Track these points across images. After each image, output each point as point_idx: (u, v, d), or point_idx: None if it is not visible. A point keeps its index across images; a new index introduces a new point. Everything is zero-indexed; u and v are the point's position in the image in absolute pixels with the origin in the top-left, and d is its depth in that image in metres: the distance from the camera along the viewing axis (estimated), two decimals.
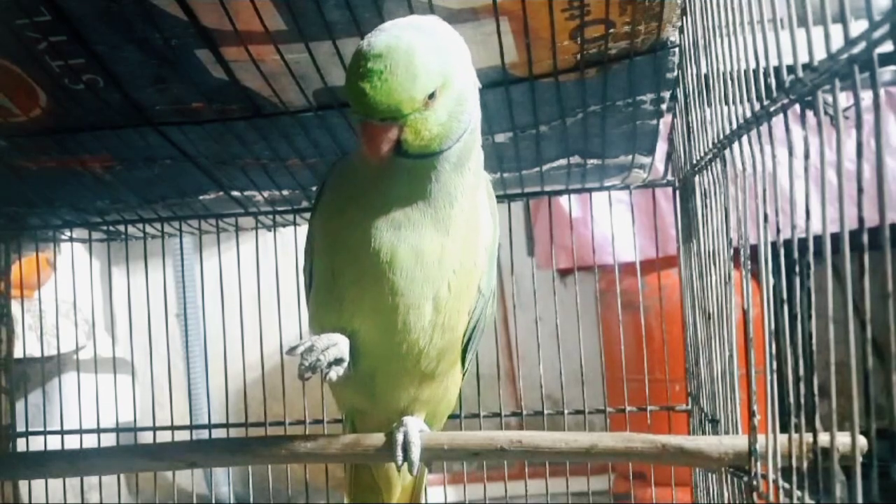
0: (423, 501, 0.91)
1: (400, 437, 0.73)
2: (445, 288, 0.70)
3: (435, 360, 0.73)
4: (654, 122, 0.98)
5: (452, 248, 0.70)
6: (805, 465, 0.51)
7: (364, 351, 0.72)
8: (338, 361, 0.68)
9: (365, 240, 0.68)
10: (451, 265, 0.70)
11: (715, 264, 0.77)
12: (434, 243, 0.69)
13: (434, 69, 0.60)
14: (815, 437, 0.48)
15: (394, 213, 0.67)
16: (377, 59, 0.59)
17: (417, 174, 0.67)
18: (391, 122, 0.61)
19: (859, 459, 0.44)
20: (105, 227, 1.22)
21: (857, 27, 0.41)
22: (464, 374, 0.82)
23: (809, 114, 0.48)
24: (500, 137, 0.99)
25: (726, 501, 0.73)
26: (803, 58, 0.47)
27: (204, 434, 1.20)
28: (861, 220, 0.41)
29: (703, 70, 0.74)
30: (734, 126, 0.63)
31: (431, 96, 0.61)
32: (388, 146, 0.62)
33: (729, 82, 0.64)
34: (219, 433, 1.18)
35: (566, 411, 1.13)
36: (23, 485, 1.19)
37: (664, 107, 0.95)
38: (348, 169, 0.74)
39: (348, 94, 0.61)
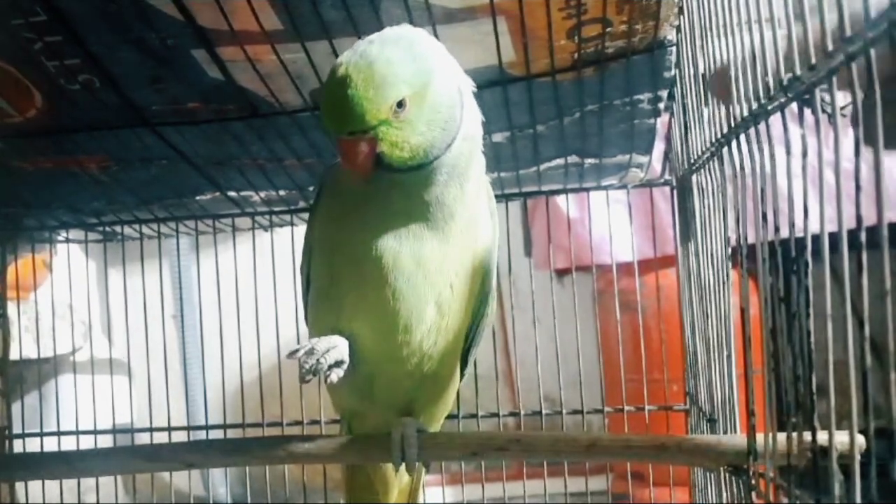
0: (421, 502, 0.91)
1: (398, 438, 0.73)
2: (448, 290, 0.70)
3: (437, 361, 0.73)
4: (652, 121, 0.99)
5: (453, 253, 0.70)
6: (803, 464, 0.51)
7: (363, 353, 0.71)
8: (338, 364, 0.68)
9: (365, 246, 0.68)
10: (453, 268, 0.70)
11: (713, 264, 0.77)
12: (435, 250, 0.69)
13: (398, 78, 0.60)
14: (813, 436, 0.48)
15: (393, 222, 0.68)
16: (341, 76, 0.60)
17: (410, 188, 0.67)
18: (361, 134, 0.61)
19: (858, 458, 0.43)
20: (101, 228, 1.21)
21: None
22: (463, 375, 0.82)
23: (807, 112, 0.48)
24: (498, 137, 0.99)
25: (725, 501, 0.73)
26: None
27: (201, 435, 1.19)
28: (859, 218, 0.41)
29: (701, 69, 0.74)
30: (732, 125, 0.63)
31: (401, 105, 0.61)
32: (364, 158, 0.63)
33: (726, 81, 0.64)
34: (216, 434, 1.17)
35: (564, 411, 1.13)
36: (19, 486, 1.19)
37: (662, 106, 0.95)
38: (346, 176, 0.74)
39: (322, 115, 0.63)
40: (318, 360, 0.66)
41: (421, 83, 0.62)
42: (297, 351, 0.67)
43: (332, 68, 0.61)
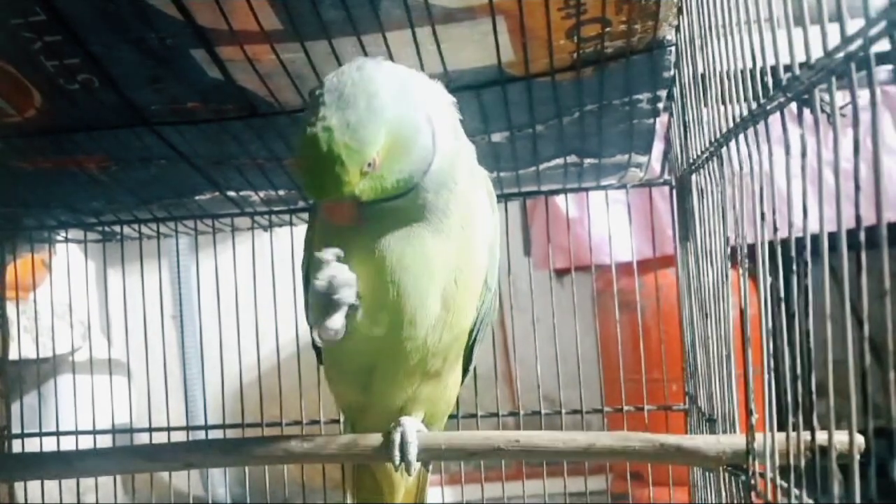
0: (426, 503, 0.91)
1: (397, 437, 0.73)
2: (452, 285, 0.70)
3: (440, 358, 0.73)
4: (651, 121, 0.99)
5: (455, 249, 0.70)
6: (803, 463, 0.51)
7: (364, 347, 0.71)
8: (347, 290, 0.67)
9: (368, 243, 0.68)
10: (456, 263, 0.71)
11: (712, 263, 0.77)
12: (437, 247, 0.69)
13: (363, 144, 0.61)
14: (812, 435, 0.48)
15: (392, 223, 0.68)
16: (309, 152, 0.62)
17: (401, 208, 0.68)
18: (341, 197, 0.64)
19: (857, 458, 0.43)
20: (101, 228, 1.21)
21: (854, 25, 0.41)
22: (466, 374, 0.82)
23: (806, 112, 0.48)
24: (497, 137, 0.99)
25: (724, 501, 0.73)
26: (800, 56, 0.47)
27: (200, 435, 1.19)
28: (858, 218, 0.41)
29: (700, 69, 0.74)
30: (731, 125, 0.63)
31: (371, 165, 0.62)
32: (350, 213, 0.66)
33: (726, 81, 0.64)
34: (215, 434, 1.17)
35: (563, 411, 1.13)
36: (18, 486, 1.19)
37: (661, 106, 0.95)
38: None
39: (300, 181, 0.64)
40: (333, 274, 0.66)
41: (386, 136, 0.62)
42: (327, 254, 0.67)
43: (301, 139, 0.62)
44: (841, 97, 0.44)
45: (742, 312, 0.62)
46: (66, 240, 1.26)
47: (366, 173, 0.63)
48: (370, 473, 0.87)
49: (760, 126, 0.56)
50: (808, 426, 0.48)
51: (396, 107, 0.63)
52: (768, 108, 0.54)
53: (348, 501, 0.89)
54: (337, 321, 0.68)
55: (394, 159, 0.64)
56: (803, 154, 0.48)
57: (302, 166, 0.63)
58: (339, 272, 0.67)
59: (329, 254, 0.67)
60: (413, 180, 0.66)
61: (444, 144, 0.68)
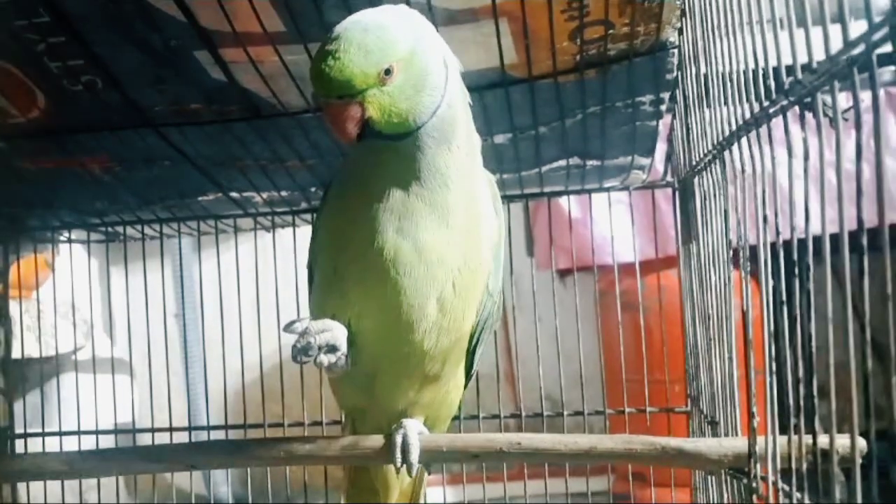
0: (423, 503, 0.91)
1: (399, 439, 0.73)
2: (450, 287, 0.70)
3: (439, 362, 0.73)
4: (654, 123, 0.99)
5: (455, 242, 0.69)
6: (805, 466, 0.51)
7: (365, 350, 0.71)
8: (331, 348, 0.68)
9: (368, 236, 0.68)
10: (456, 263, 0.70)
11: (714, 265, 0.77)
12: (436, 237, 0.68)
13: (387, 45, 0.62)
14: (814, 438, 0.48)
15: (392, 201, 0.67)
16: (332, 42, 0.61)
17: (404, 155, 0.67)
18: (349, 99, 0.62)
19: (859, 461, 0.43)
20: (104, 229, 1.21)
21: (857, 28, 0.41)
22: (468, 378, 0.82)
23: (809, 115, 0.49)
24: (500, 138, 0.99)
25: (726, 502, 0.73)
26: (802, 59, 0.47)
27: (202, 435, 1.19)
28: (860, 221, 0.41)
29: (703, 71, 0.74)
30: (733, 127, 0.63)
31: (388, 72, 0.62)
32: (352, 124, 0.64)
33: (728, 84, 0.64)
34: (217, 435, 1.18)
35: (565, 412, 1.13)
36: (21, 485, 1.19)
37: (663, 108, 0.95)
38: (349, 165, 0.74)
39: (311, 80, 0.63)
40: (309, 340, 0.67)
41: (409, 50, 0.63)
42: (293, 324, 0.68)
43: (327, 35, 0.63)
44: (843, 99, 0.44)
45: (744, 314, 0.62)
46: (70, 240, 1.26)
47: (382, 81, 0.62)
48: (366, 474, 0.87)
49: (763, 128, 0.56)
50: (810, 429, 0.48)
51: (417, 37, 0.64)
52: (771, 110, 0.54)
53: (342, 502, 0.89)
54: (325, 360, 0.68)
55: (407, 82, 0.64)
56: (806, 156, 0.48)
57: (319, 58, 0.62)
58: (314, 333, 0.67)
59: (298, 325, 0.68)
60: (420, 115, 0.65)
61: (453, 94, 0.68)
